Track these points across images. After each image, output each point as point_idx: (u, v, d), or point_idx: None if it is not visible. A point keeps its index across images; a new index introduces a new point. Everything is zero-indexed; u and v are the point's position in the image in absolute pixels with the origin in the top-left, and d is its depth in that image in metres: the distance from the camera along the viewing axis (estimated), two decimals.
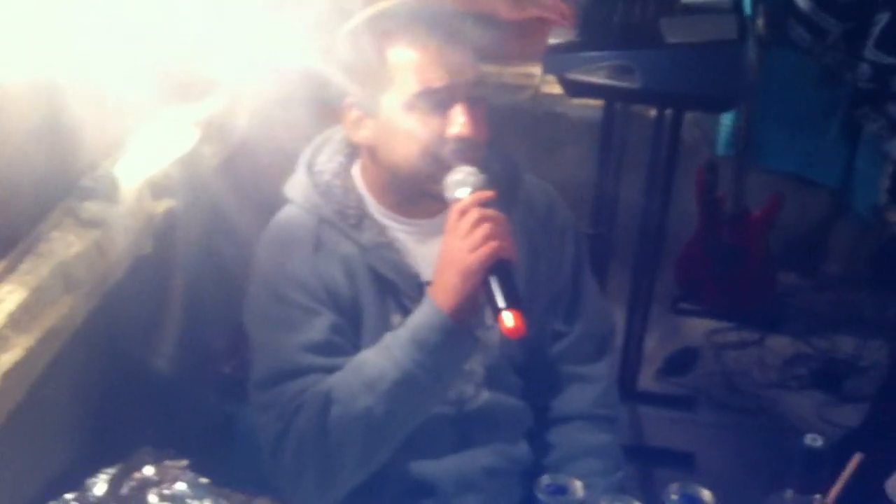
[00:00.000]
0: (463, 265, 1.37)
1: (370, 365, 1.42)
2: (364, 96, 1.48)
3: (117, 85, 1.50)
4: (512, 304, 1.33)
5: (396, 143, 1.46)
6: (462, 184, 1.42)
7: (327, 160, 1.57)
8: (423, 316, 1.41)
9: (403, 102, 1.44)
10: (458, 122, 1.43)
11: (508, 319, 1.31)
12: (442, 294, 1.39)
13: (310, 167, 1.56)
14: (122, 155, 1.68)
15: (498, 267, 1.36)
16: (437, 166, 1.45)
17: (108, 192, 1.57)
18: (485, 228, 1.37)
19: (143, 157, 1.70)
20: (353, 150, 1.58)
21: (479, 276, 1.37)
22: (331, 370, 1.45)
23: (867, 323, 3.36)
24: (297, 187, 1.55)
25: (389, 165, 1.49)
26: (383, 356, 1.42)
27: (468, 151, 1.45)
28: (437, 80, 1.43)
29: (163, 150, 1.74)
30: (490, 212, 1.39)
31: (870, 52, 3.03)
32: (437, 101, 1.44)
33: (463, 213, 1.39)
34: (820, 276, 3.69)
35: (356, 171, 1.58)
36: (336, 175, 1.55)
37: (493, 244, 1.36)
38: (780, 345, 3.38)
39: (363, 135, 1.50)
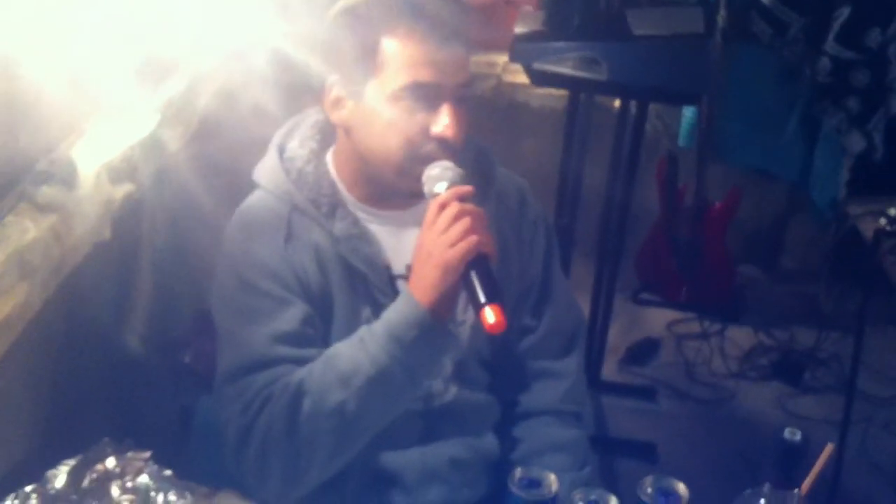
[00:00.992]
0: (442, 260, 1.35)
1: (344, 359, 1.40)
2: (348, 79, 1.45)
3: (75, 66, 1.46)
4: (493, 298, 1.32)
5: (375, 130, 1.44)
6: (439, 178, 1.41)
7: (298, 146, 1.53)
8: (400, 311, 1.39)
9: (389, 92, 1.41)
10: (443, 122, 1.41)
11: (490, 314, 1.30)
12: (421, 289, 1.37)
13: (280, 152, 1.53)
14: (79, 138, 1.64)
15: (477, 261, 1.35)
16: (411, 161, 1.43)
17: (66, 177, 1.52)
18: (464, 223, 1.35)
19: (102, 141, 1.66)
20: (324, 137, 1.56)
21: (458, 271, 1.35)
22: (301, 362, 1.42)
23: (825, 315, 3.40)
24: (267, 173, 1.52)
25: (364, 151, 1.47)
26: (358, 350, 1.39)
27: (446, 152, 1.43)
28: (428, 76, 1.40)
29: (122, 134, 1.70)
30: (469, 206, 1.37)
31: (830, 46, 3.06)
32: (425, 96, 1.41)
33: (442, 207, 1.37)
34: (779, 268, 3.73)
35: (329, 157, 1.55)
36: (308, 161, 1.52)
37: (472, 238, 1.35)
38: (741, 336, 3.42)
39: (342, 115, 1.48)
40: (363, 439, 1.44)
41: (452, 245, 1.34)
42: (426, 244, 1.37)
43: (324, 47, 1.44)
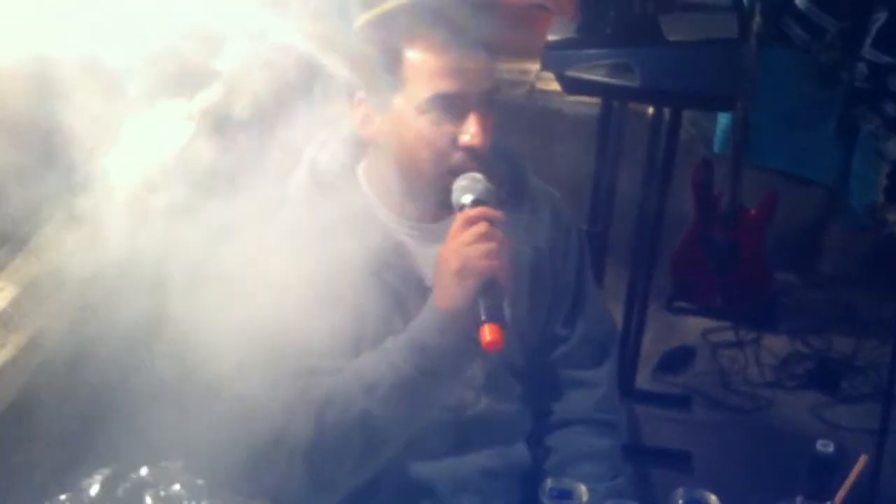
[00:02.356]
0: (463, 269, 1.35)
1: (369, 368, 1.41)
2: (375, 93, 1.45)
3: (110, 76, 1.47)
4: (494, 318, 1.32)
5: (404, 143, 1.44)
6: (467, 189, 1.41)
7: (331, 160, 1.54)
8: (422, 319, 1.40)
9: (415, 105, 1.42)
10: (470, 131, 1.42)
11: (487, 332, 1.30)
12: (441, 297, 1.38)
13: (313, 167, 1.53)
14: (115, 148, 1.65)
15: (491, 284, 1.35)
16: (441, 172, 1.43)
17: (101, 187, 1.53)
18: (489, 245, 1.35)
19: (138, 151, 1.67)
20: (356, 150, 1.56)
21: (475, 284, 1.34)
22: (331, 373, 1.43)
23: (863, 322, 3.35)
24: (299, 187, 1.53)
25: (394, 164, 1.47)
26: (382, 359, 1.40)
27: (474, 161, 1.43)
28: (453, 86, 1.41)
29: (158, 144, 1.71)
30: (498, 232, 1.37)
31: (867, 51, 3.02)
32: (450, 107, 1.41)
33: (470, 222, 1.37)
34: (815, 274, 3.69)
35: (360, 170, 1.56)
36: (339, 175, 1.52)
37: (493, 263, 1.34)
38: (776, 344, 3.37)
39: (371, 130, 1.48)
40: (391, 449, 1.44)
41: (472, 258, 1.34)
42: (448, 254, 1.37)
43: (350, 60, 1.44)
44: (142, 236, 1.56)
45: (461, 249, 1.35)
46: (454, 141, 1.42)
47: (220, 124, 1.77)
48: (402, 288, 1.48)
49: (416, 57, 1.41)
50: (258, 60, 1.54)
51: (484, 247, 1.34)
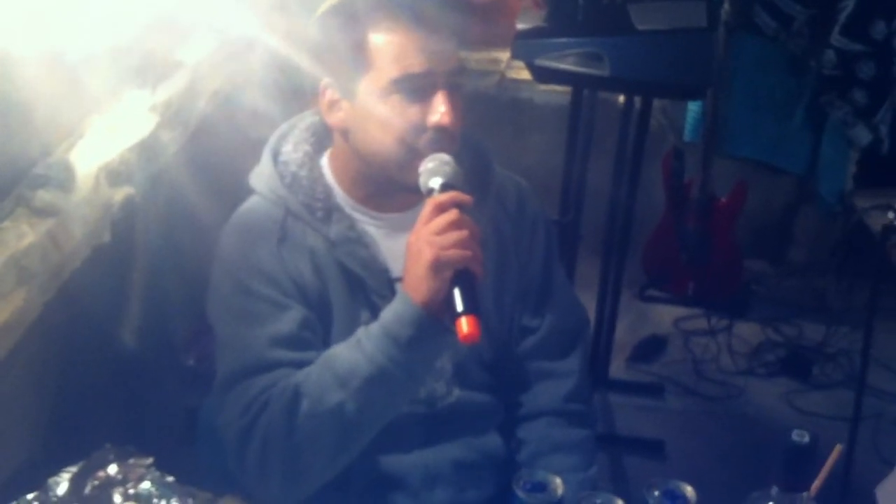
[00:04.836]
0: (434, 259, 1.32)
1: (341, 360, 1.38)
2: (341, 79, 1.43)
3: (72, 67, 1.44)
4: (470, 310, 1.30)
5: (372, 128, 1.43)
6: (435, 172, 1.39)
7: (293, 150, 1.52)
8: (395, 310, 1.37)
9: (382, 87, 1.40)
10: (439, 110, 1.40)
11: (465, 325, 1.28)
12: (414, 288, 1.35)
13: (275, 157, 1.52)
14: (77, 141, 1.62)
15: (464, 273, 1.33)
16: (411, 155, 1.41)
17: (63, 180, 1.51)
18: (461, 234, 1.33)
19: (100, 143, 1.64)
20: (319, 139, 1.54)
21: (448, 273, 1.33)
22: (299, 365, 1.41)
23: (834, 309, 3.38)
24: (262, 178, 1.51)
25: (363, 151, 1.45)
26: (355, 351, 1.38)
27: (444, 141, 1.41)
28: (418, 65, 1.39)
29: (120, 136, 1.68)
30: (468, 220, 1.35)
31: (835, 38, 3.04)
32: (417, 87, 1.40)
33: (440, 208, 1.35)
34: (786, 263, 3.71)
35: (324, 161, 1.54)
36: (302, 166, 1.51)
37: (465, 253, 1.32)
38: (748, 332, 3.40)
39: (338, 117, 1.46)
40: (364, 439, 1.42)
41: (445, 249, 1.32)
42: (419, 242, 1.34)
43: (315, 48, 1.42)
44: (104, 227, 1.54)
45: (433, 239, 1.33)
46: (422, 122, 1.40)
47: (183, 116, 1.75)
48: (367, 279, 1.47)
49: (380, 39, 1.40)
50: (221, 52, 1.52)
51: (456, 235, 1.32)
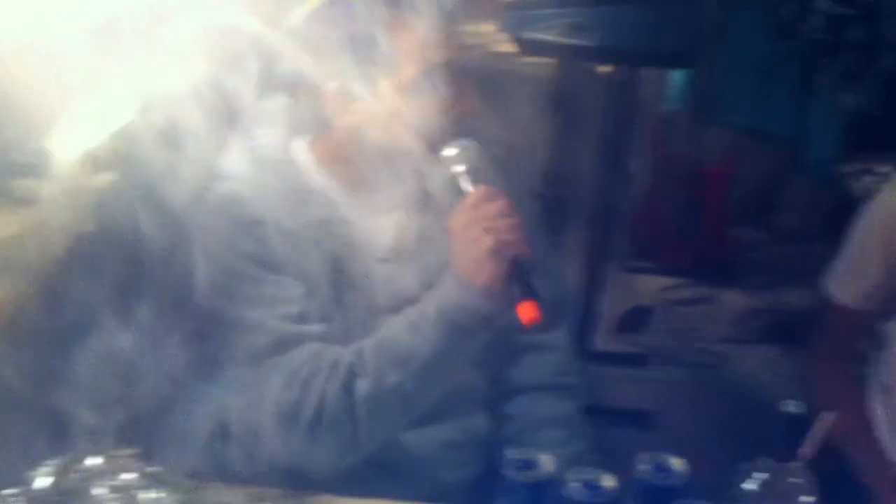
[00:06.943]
0: (494, 245, 1.37)
1: (399, 344, 1.43)
2: (354, 82, 1.43)
3: (50, 50, 1.43)
4: (532, 294, 1.34)
5: (392, 126, 1.43)
6: (460, 158, 1.42)
7: (264, 133, 1.52)
8: (452, 296, 1.41)
9: (400, 83, 1.41)
10: (459, 99, 1.43)
11: (528, 309, 1.33)
12: (472, 274, 1.39)
13: (247, 142, 1.51)
14: (57, 127, 1.61)
15: (520, 260, 1.38)
16: (434, 146, 1.43)
17: (42, 168, 1.50)
18: (514, 220, 1.38)
19: (81, 129, 1.63)
20: (292, 122, 1.53)
21: (503, 260, 1.37)
22: (321, 337, 1.44)
23: (821, 276, 3.38)
24: (235, 162, 1.50)
25: (378, 148, 1.45)
26: (414, 334, 1.42)
27: (466, 127, 1.44)
28: (438, 58, 1.41)
29: (102, 121, 1.66)
30: (514, 212, 1.39)
31: (823, 2, 3.02)
32: (436, 80, 1.40)
33: (491, 196, 1.39)
34: (773, 229, 3.71)
35: (302, 145, 1.53)
36: (275, 148, 1.50)
37: (521, 237, 1.38)
38: (734, 299, 3.41)
39: (350, 120, 1.45)
40: (421, 412, 1.49)
41: (502, 234, 1.37)
42: (474, 229, 1.38)
43: (314, 50, 1.42)
44: (87, 216, 1.53)
45: (491, 225, 1.37)
46: (442, 112, 1.42)
47: (163, 104, 1.73)
48: (347, 260, 1.48)
49: (398, 34, 1.40)
50: (203, 39, 1.50)
51: (510, 221, 1.38)
